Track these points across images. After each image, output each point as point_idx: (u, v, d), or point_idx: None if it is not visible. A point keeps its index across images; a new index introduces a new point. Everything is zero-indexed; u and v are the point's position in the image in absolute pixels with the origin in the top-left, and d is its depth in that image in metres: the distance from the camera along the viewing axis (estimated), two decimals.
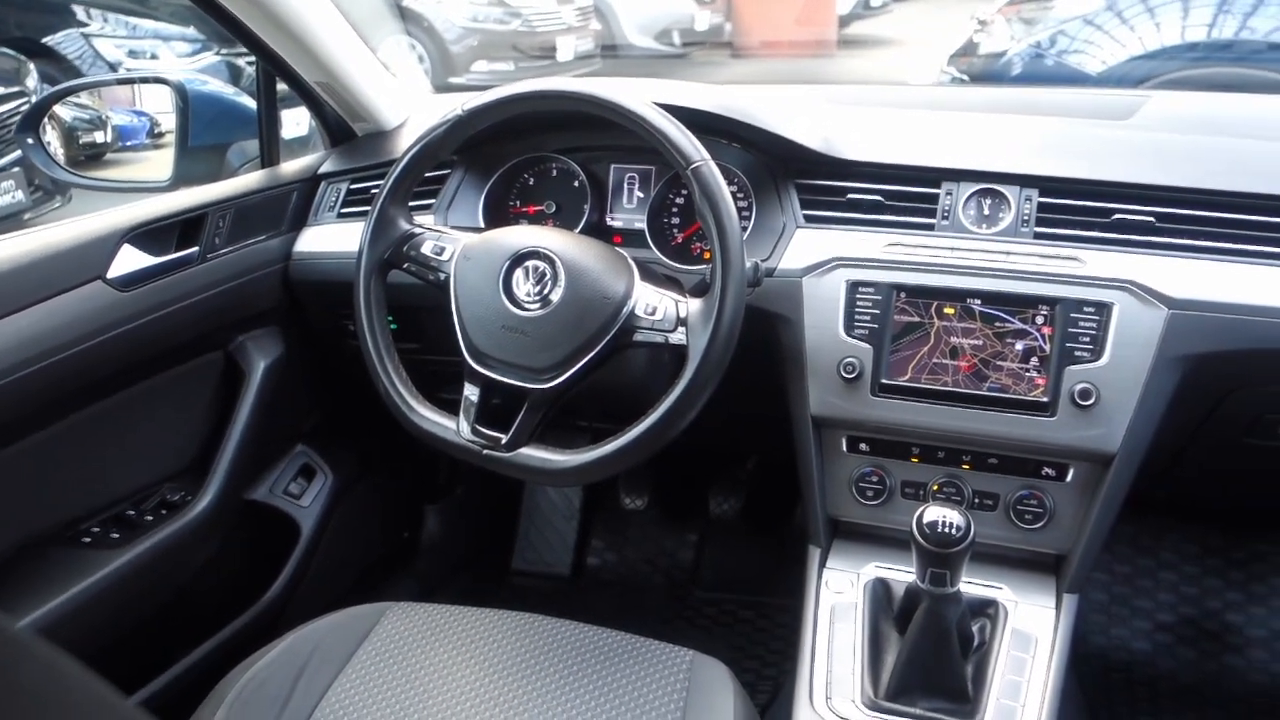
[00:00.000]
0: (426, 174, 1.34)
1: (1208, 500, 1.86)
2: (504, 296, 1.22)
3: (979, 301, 1.29)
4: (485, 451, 1.23)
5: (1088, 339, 1.24)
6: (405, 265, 1.30)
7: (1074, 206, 1.33)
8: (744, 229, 1.41)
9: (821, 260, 1.35)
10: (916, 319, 1.31)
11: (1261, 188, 1.29)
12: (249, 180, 1.62)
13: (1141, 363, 1.23)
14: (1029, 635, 1.25)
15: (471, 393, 1.24)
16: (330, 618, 1.24)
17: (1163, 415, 1.25)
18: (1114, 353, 1.23)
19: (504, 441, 1.21)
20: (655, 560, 2.24)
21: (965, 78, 4.55)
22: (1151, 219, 1.29)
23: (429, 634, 1.20)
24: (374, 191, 1.32)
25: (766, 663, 1.93)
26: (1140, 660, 1.88)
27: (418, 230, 1.30)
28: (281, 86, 1.67)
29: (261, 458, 1.70)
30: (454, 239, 1.29)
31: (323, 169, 1.71)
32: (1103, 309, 1.24)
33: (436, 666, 1.15)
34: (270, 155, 1.69)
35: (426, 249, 1.29)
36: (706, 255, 1.47)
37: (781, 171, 1.44)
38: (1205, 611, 1.92)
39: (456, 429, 1.24)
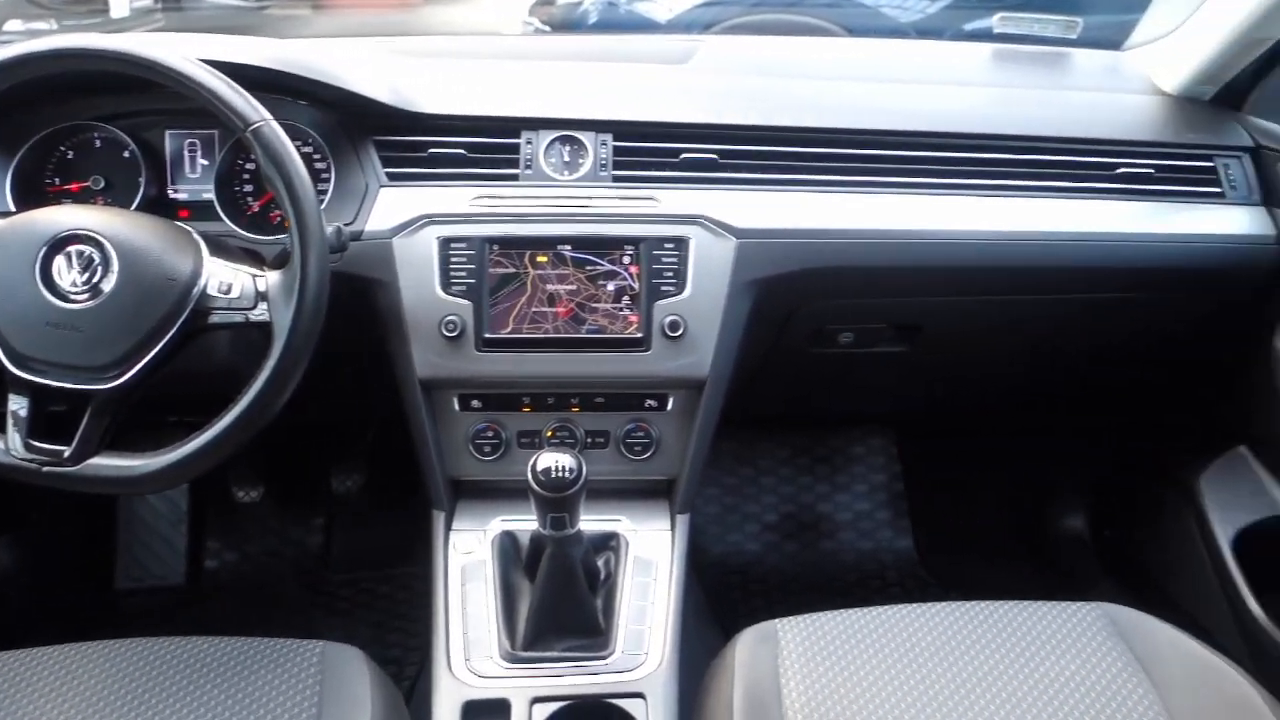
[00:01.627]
0: None
1: (789, 409, 2.06)
2: (44, 289, 1.06)
3: (569, 247, 1.31)
4: (46, 469, 1.07)
5: (671, 274, 1.31)
6: None
7: (646, 149, 1.39)
8: (324, 192, 1.33)
9: (410, 219, 1.31)
10: (512, 270, 1.31)
11: (807, 122, 1.42)
12: None
13: (719, 291, 1.32)
14: (649, 560, 1.32)
15: (18, 404, 1.07)
16: None
17: (742, 337, 1.35)
18: (695, 284, 1.31)
19: (67, 454, 1.06)
20: (281, 551, 2.10)
21: (547, 28, 4.63)
22: (715, 156, 1.38)
23: (9, 687, 1.04)
24: None
25: (411, 634, 1.90)
26: (753, 560, 2.07)
27: None
28: None
29: None
30: None
31: None
32: (681, 244, 1.32)
33: None
34: None
35: None
36: (288, 224, 1.38)
37: (357, 129, 1.37)
38: (801, 506, 2.14)
39: (5, 447, 1.07)
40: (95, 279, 1.06)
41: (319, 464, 2.13)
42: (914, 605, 1.16)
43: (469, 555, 1.32)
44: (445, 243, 1.30)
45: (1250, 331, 1.50)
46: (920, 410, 2.11)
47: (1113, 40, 1.78)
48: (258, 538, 2.11)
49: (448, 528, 1.36)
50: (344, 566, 2.08)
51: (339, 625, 1.91)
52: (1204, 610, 1.60)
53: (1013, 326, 1.59)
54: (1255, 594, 1.50)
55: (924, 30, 3.95)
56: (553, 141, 1.38)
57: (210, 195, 1.37)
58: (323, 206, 1.17)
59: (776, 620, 1.15)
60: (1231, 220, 1.46)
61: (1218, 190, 1.48)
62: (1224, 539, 1.56)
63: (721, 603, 1.96)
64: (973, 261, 1.41)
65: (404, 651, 1.84)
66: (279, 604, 2.00)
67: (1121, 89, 1.62)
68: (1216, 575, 1.57)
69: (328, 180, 1.35)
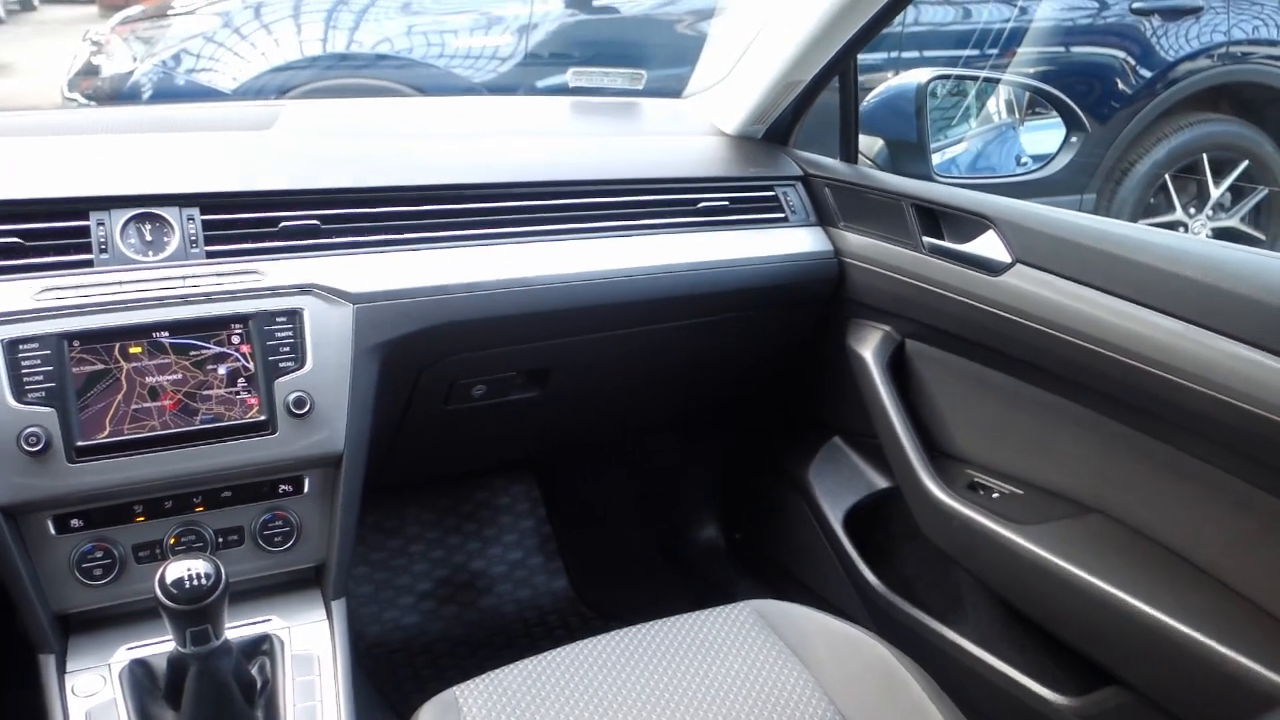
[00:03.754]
0: None
1: (431, 469, 2.03)
2: None
3: (166, 334, 1.20)
4: None
5: (288, 348, 1.24)
6: None
7: (240, 220, 1.31)
8: None
9: None
10: (101, 366, 1.17)
11: (403, 180, 1.41)
12: None
13: (342, 360, 1.27)
14: (310, 655, 1.23)
15: None
16: None
17: (374, 404, 1.31)
18: (315, 356, 1.25)
19: None
20: None
21: (93, 103, 4.23)
22: (316, 222, 1.33)
23: None
24: None
25: None
26: (414, 633, 1.99)
27: None
28: None
29: None
30: None
31: None
32: (294, 315, 1.25)
33: None
34: None
35: None
36: None
37: None
38: (455, 568, 2.11)
39: None
40: None
41: None
42: (583, 642, 1.18)
43: (92, 697, 1.14)
44: (11, 345, 1.13)
45: (827, 336, 1.71)
46: (558, 450, 2.17)
47: (674, 90, 1.96)
48: None
49: (61, 670, 1.17)
50: None
51: None
52: (830, 589, 1.78)
53: (630, 358, 1.69)
54: (869, 565, 1.71)
55: (497, 88, 4.13)
56: (129, 220, 1.26)
57: None
58: None
59: (455, 688, 1.12)
60: (796, 240, 1.66)
61: (781, 215, 1.67)
62: (835, 521, 1.76)
63: (387, 683, 1.87)
64: (583, 302, 1.47)
65: None
66: None
67: (688, 132, 1.79)
68: (835, 555, 1.76)
69: None
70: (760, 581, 2.05)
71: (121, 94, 4.06)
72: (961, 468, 1.53)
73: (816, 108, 1.74)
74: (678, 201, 1.59)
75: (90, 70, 4.29)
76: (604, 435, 2.10)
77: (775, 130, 1.77)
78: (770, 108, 1.72)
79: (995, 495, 1.46)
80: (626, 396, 1.86)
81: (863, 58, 1.68)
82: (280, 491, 1.28)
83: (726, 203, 1.62)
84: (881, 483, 1.75)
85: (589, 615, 2.09)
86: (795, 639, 1.18)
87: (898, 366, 1.60)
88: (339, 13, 4.17)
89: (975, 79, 2.21)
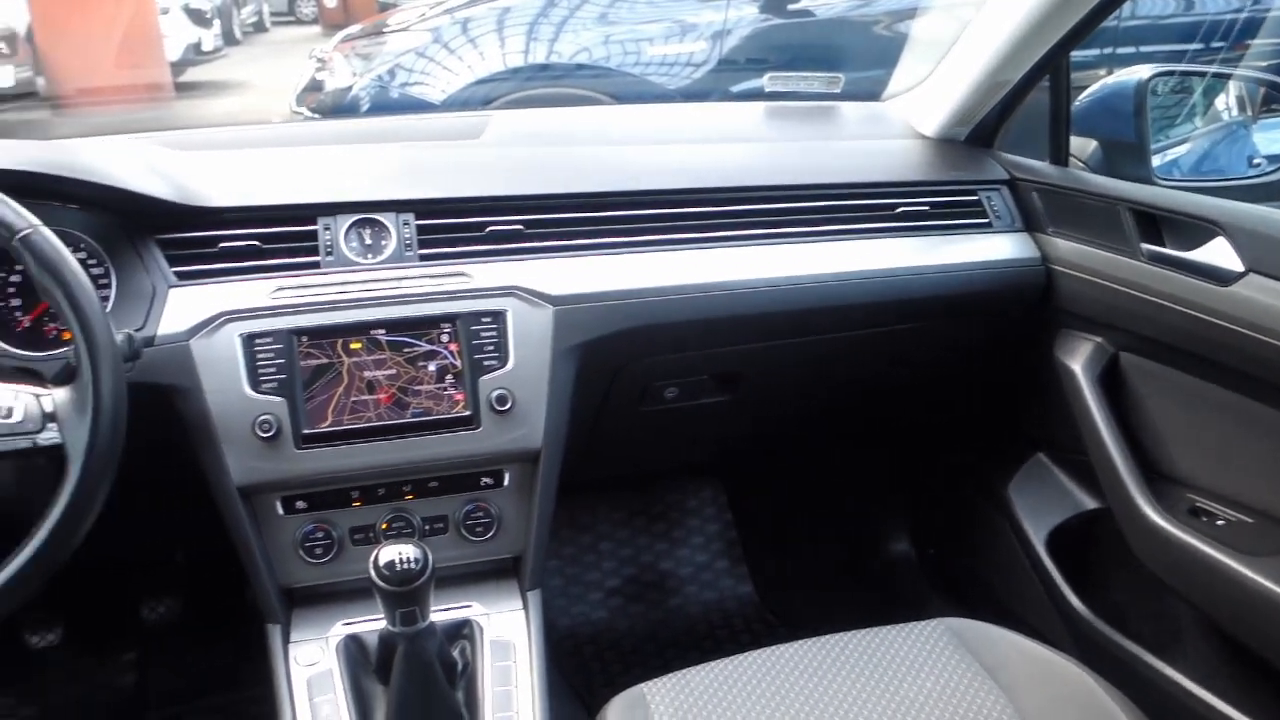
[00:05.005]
0: None
1: (621, 469, 2.07)
2: None
3: (383, 331, 1.27)
4: None
5: (492, 347, 1.29)
6: None
7: (450, 225, 1.37)
8: (105, 299, 1.24)
9: (207, 318, 1.24)
10: (325, 360, 1.25)
11: (605, 186, 1.45)
12: None
13: (542, 359, 1.31)
14: (506, 642, 1.27)
15: None
16: None
17: (571, 403, 1.35)
18: (517, 355, 1.30)
19: None
20: (90, 698, 1.89)
21: (317, 115, 4.55)
22: (521, 227, 1.38)
23: None
24: None
25: None
26: (602, 627, 2.04)
27: None
28: None
29: None
30: None
31: None
32: (498, 317, 1.30)
33: None
34: None
35: None
36: (66, 335, 1.27)
37: (136, 229, 1.28)
38: (642, 566, 2.14)
39: None
40: None
41: (126, 594, 1.95)
42: (772, 648, 1.17)
43: (313, 666, 1.23)
44: (249, 339, 1.23)
45: (1033, 347, 1.63)
46: (746, 455, 2.16)
47: (871, 93, 1.92)
48: (60, 686, 1.89)
49: (285, 640, 1.27)
50: (164, 702, 1.89)
51: None
52: (1030, 611, 1.70)
53: (823, 364, 1.66)
54: (1074, 589, 1.62)
55: (691, 94, 4.18)
56: (352, 225, 1.35)
57: None
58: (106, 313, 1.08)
59: (643, 684, 1.14)
60: (1001, 247, 1.59)
61: (985, 221, 1.61)
62: (1038, 541, 1.68)
63: (576, 675, 1.92)
64: (777, 307, 1.47)
65: None
66: None
67: (886, 135, 1.75)
68: (1037, 576, 1.68)
69: (108, 286, 1.25)
70: (952, 599, 1.98)
71: (342, 107, 4.36)
72: (1182, 491, 1.43)
73: (1022, 108, 1.67)
74: (875, 206, 1.56)
75: (315, 86, 4.62)
76: (792, 442, 2.09)
77: (979, 132, 1.71)
78: (975, 108, 1.66)
79: (1220, 522, 1.36)
80: (816, 403, 1.84)
81: (1074, 55, 1.59)
82: (482, 484, 1.34)
83: (927, 207, 1.58)
84: (1090, 503, 1.66)
85: (773, 622, 2.08)
86: (992, 661, 1.14)
87: (1110, 380, 1.51)
88: (539, 26, 4.32)
89: (1202, 75, 2.05)
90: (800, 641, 1.18)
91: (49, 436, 0.99)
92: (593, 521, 2.16)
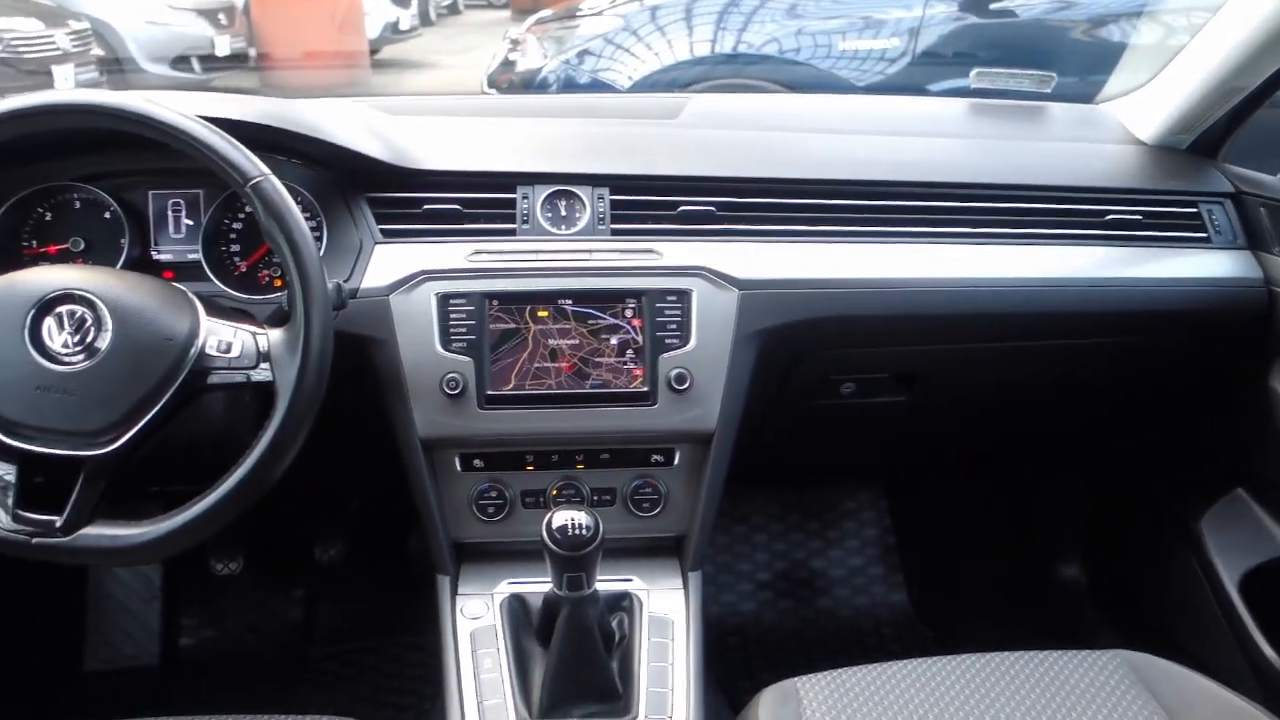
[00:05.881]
0: None
1: (786, 464, 2.05)
2: (33, 351, 1.01)
3: (570, 301, 1.29)
4: (36, 540, 1.01)
5: (675, 325, 1.29)
6: None
7: (643, 202, 1.38)
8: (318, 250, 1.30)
9: (407, 276, 1.29)
10: (513, 325, 1.29)
11: (802, 173, 1.43)
12: None
13: (723, 342, 1.30)
14: (665, 619, 1.28)
15: (6, 472, 1.01)
16: None
17: (747, 389, 1.33)
18: (699, 336, 1.30)
19: (59, 524, 1.01)
20: (262, 626, 2.02)
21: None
22: (712, 209, 1.38)
23: None
24: None
25: (401, 708, 1.82)
26: (750, 621, 2.03)
27: None
28: None
29: None
30: None
31: None
32: (683, 296, 1.30)
33: None
34: None
35: None
36: (278, 282, 1.35)
37: (350, 186, 1.35)
38: (794, 563, 2.12)
39: None
40: (88, 340, 1.02)
41: (302, 533, 2.06)
42: (932, 659, 1.14)
43: (477, 620, 1.27)
44: (444, 299, 1.28)
45: (1244, 373, 1.51)
46: (913, 461, 2.10)
47: (1085, 94, 1.82)
48: (236, 612, 2.02)
49: (454, 592, 1.31)
50: (327, 640, 2.00)
51: (324, 701, 1.83)
52: (1213, 654, 1.59)
53: (1004, 371, 1.60)
54: (1267, 637, 1.50)
55: (884, 89, 4.08)
56: (549, 196, 1.37)
57: (195, 255, 1.34)
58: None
59: (796, 679, 1.12)
60: (1219, 264, 1.48)
61: (1204, 235, 1.50)
62: (1230, 581, 1.56)
63: (718, 663, 1.91)
64: (969, 308, 1.41)
65: None
66: (259, 682, 1.92)
67: (1099, 139, 1.65)
68: (1225, 619, 1.57)
69: (320, 239, 1.32)
70: (1124, 632, 1.87)
71: (531, 88, 4.47)
72: None
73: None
74: (1084, 212, 1.48)
75: (507, 66, 4.76)
76: (963, 452, 2.01)
77: (1203, 141, 1.59)
78: (1201, 116, 1.55)
79: None
80: (994, 413, 1.77)
81: None
82: (652, 461, 1.35)
83: (1140, 217, 1.48)
84: None
85: (925, 634, 2.02)
86: (1172, 701, 1.07)
87: None
88: (729, 15, 4.32)
89: None
90: (963, 656, 1.14)
91: (261, 374, 1.06)
92: (748, 512, 2.14)
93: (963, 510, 2.16)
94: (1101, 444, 1.91)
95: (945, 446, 1.94)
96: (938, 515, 2.17)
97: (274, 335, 1.07)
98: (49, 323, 1.03)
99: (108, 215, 1.33)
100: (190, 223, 1.36)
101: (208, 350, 1.05)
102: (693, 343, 1.29)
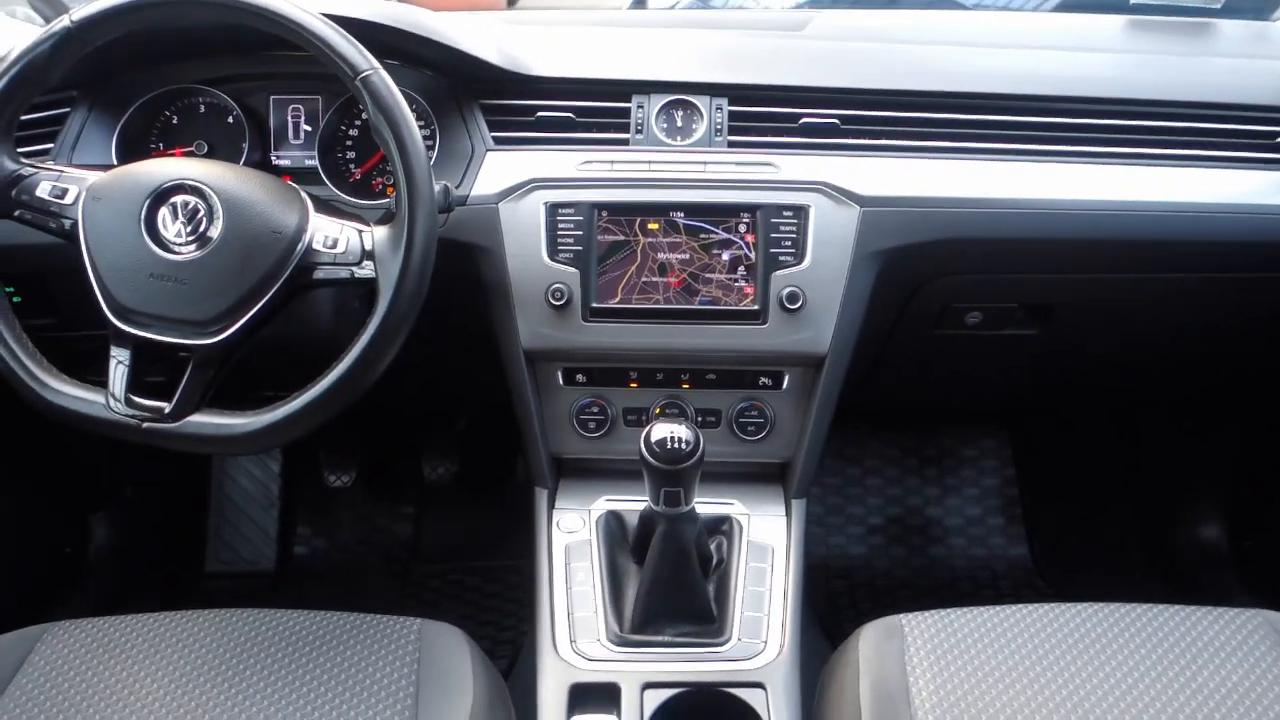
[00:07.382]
0: (42, 112, 1.13)
1: (902, 403, 1.97)
2: (149, 239, 1.03)
3: (682, 214, 1.25)
4: (146, 425, 1.04)
5: (789, 243, 1.24)
6: (17, 213, 1.07)
7: (763, 113, 1.32)
8: (429, 155, 1.29)
9: (517, 184, 1.26)
10: (621, 237, 1.25)
11: (932, 86, 1.34)
12: None
13: (841, 261, 1.24)
14: (765, 545, 1.24)
15: (121, 357, 1.04)
16: None
17: (864, 312, 1.27)
18: (815, 254, 1.23)
19: (168, 410, 1.03)
20: (371, 539, 2.07)
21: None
22: (836, 121, 1.31)
23: (102, 652, 1.01)
24: None
25: (502, 627, 1.84)
26: (858, 564, 1.97)
27: (29, 170, 1.07)
28: None
29: None
30: (78, 178, 1.07)
31: None
32: (800, 212, 1.24)
33: (114, 687, 0.97)
34: None
35: (43, 191, 1.06)
36: (389, 190, 1.34)
37: (464, 92, 1.33)
38: (909, 509, 2.04)
39: (106, 402, 1.04)
40: (200, 229, 1.03)
41: (411, 451, 2.10)
42: (1049, 605, 1.07)
43: (573, 535, 1.26)
44: (553, 208, 1.25)
45: None
46: (1040, 406, 1.99)
47: (1258, 10, 1.66)
48: (348, 525, 2.08)
49: (551, 505, 1.30)
50: (433, 557, 2.04)
51: (428, 615, 1.87)
52: None
53: (1147, 309, 1.48)
54: None
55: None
56: (665, 105, 1.32)
57: (313, 162, 1.35)
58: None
59: (901, 615, 1.07)
60: None
61: None
62: None
63: (824, 604, 1.86)
64: (1117, 234, 1.30)
65: (494, 645, 1.78)
66: (367, 592, 1.97)
67: (1275, 55, 1.49)
68: None
69: (432, 144, 1.31)
70: (1263, 600, 1.74)
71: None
72: None
73: None
74: (1252, 133, 1.34)
75: None
76: (1096, 398, 1.89)
77: None
78: None
79: None
80: (1136, 355, 1.64)
81: None
82: (760, 383, 1.30)
83: None
84: None
85: (1044, 590, 1.93)
86: None
87: None
88: None
89: None
90: (1084, 605, 1.06)
91: (365, 271, 1.05)
92: (862, 454, 2.07)
93: (1093, 462, 2.04)
94: (1255, 397, 1.76)
95: (1078, 389, 1.82)
96: (1065, 467, 2.05)
97: (379, 232, 1.06)
98: (164, 212, 1.04)
99: (230, 119, 1.35)
100: (309, 129, 1.37)
101: (314, 245, 1.05)
102: (808, 261, 1.23)
